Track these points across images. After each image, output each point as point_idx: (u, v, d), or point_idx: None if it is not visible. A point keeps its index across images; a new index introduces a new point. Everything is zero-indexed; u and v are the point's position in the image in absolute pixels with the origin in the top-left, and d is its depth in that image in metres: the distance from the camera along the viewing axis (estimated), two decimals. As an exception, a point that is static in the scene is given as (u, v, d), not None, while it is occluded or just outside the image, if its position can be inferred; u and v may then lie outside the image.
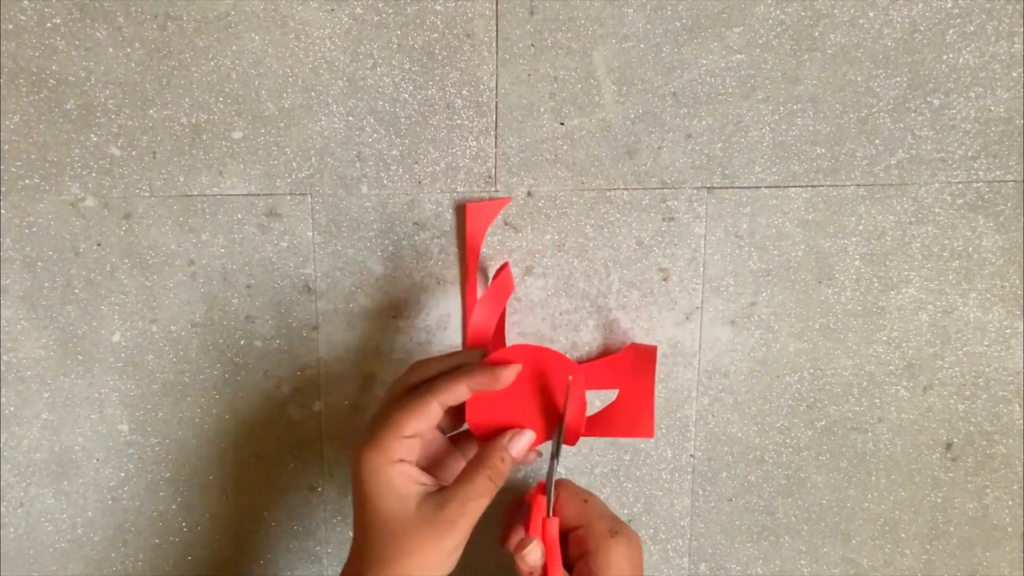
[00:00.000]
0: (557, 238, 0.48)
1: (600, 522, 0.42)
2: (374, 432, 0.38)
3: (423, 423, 0.38)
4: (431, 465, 0.42)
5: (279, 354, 0.49)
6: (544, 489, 0.42)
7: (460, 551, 0.39)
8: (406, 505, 0.38)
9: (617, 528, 0.42)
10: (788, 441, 0.50)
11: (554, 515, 0.42)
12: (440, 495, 0.38)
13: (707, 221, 0.47)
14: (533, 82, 0.46)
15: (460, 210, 0.47)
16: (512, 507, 0.46)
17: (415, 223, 0.48)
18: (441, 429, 0.43)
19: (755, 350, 0.49)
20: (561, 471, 0.50)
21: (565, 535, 0.43)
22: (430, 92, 0.46)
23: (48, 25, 0.45)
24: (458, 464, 0.43)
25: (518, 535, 0.43)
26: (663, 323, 0.48)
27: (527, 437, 0.41)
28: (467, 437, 0.45)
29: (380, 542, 0.37)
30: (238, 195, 0.47)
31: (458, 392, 0.39)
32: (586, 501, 0.43)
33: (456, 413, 0.42)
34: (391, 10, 0.45)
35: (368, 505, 0.38)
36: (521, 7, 0.45)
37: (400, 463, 0.38)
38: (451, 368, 0.41)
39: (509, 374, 0.40)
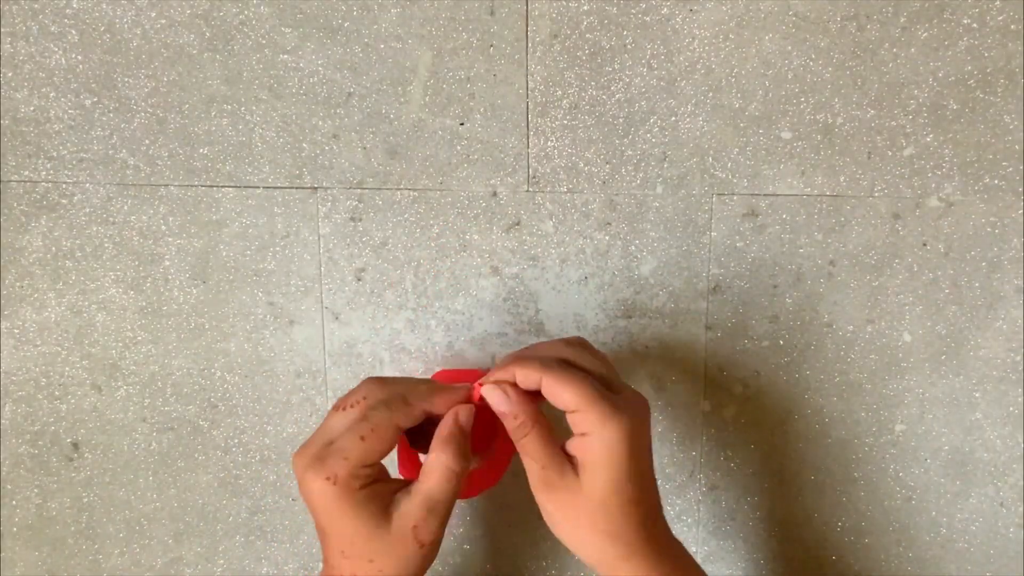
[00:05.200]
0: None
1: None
2: (332, 460, 0.35)
3: (385, 449, 0.36)
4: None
5: (284, 353, 0.49)
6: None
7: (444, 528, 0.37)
8: (382, 521, 0.36)
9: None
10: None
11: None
12: (406, 501, 0.36)
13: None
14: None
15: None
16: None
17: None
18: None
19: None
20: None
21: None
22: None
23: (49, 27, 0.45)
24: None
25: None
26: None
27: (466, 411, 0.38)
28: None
29: (362, 547, 0.36)
30: (241, 193, 0.47)
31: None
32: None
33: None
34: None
35: (343, 530, 0.36)
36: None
37: (364, 488, 0.35)
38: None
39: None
